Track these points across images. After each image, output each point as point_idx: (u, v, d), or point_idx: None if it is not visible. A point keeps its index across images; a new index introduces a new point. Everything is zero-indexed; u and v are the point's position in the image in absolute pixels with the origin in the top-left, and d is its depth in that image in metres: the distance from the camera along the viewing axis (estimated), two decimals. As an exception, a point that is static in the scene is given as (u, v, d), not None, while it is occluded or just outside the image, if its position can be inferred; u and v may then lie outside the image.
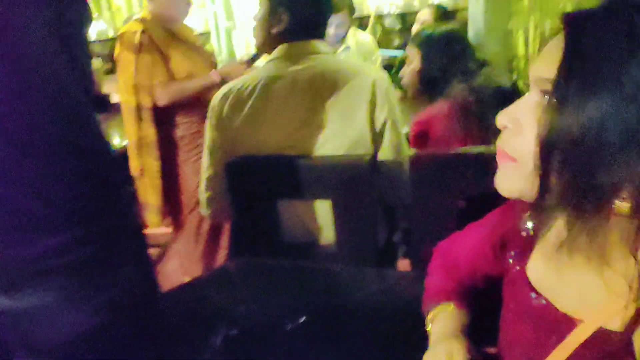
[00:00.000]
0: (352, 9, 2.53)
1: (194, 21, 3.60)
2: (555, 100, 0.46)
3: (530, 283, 0.58)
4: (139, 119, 1.98)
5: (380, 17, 3.63)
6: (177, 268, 2.19)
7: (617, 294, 0.47)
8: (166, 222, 2.20)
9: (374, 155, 1.31)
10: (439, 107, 1.55)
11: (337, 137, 1.31)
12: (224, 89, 1.35)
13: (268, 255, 1.37)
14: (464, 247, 0.75)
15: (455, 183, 1.15)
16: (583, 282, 0.52)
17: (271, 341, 0.83)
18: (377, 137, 1.33)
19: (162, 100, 1.94)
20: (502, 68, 2.28)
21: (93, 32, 3.72)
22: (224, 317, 0.87)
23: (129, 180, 1.82)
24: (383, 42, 3.68)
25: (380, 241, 1.39)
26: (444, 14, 2.65)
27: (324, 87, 1.30)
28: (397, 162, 1.33)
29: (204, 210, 1.47)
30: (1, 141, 0.63)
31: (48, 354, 0.71)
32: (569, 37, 0.47)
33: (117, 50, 1.96)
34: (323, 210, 1.35)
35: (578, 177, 0.45)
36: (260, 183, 1.34)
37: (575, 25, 0.47)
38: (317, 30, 1.35)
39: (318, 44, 1.34)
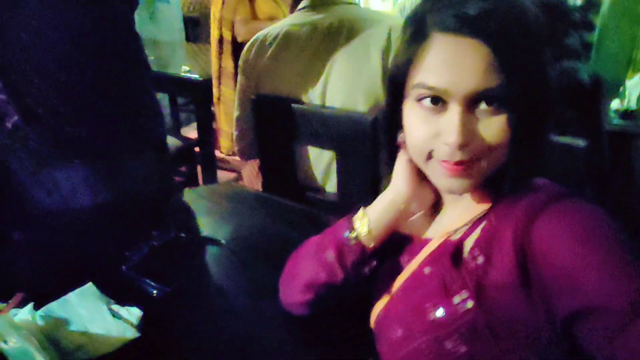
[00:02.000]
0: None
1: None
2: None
3: None
4: (220, 51, 2.15)
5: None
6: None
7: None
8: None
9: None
10: None
11: (351, 85, 1.32)
12: (253, 38, 1.42)
13: (281, 191, 1.47)
14: None
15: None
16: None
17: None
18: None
19: (241, 36, 2.08)
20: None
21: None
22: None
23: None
24: None
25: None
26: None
27: (341, 35, 1.32)
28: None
29: (235, 146, 1.61)
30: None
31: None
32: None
33: (213, -14, 2.13)
34: (329, 160, 1.40)
35: None
36: (275, 125, 1.42)
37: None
38: None
39: None
